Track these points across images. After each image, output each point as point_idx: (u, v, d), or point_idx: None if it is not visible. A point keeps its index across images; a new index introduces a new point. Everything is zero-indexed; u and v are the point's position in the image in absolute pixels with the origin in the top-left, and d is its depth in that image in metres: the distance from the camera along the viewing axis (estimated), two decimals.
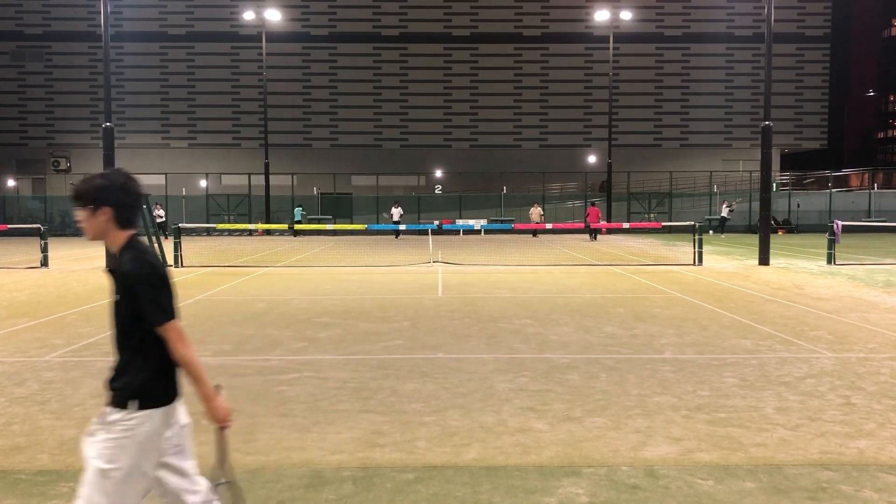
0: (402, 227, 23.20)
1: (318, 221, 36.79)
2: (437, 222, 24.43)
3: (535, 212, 33.88)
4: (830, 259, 17.90)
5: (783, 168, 49.68)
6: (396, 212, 32.40)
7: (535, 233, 34.07)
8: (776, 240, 27.69)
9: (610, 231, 35.16)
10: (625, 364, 7.12)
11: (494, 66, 46.13)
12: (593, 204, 31.46)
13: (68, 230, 37.74)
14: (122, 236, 2.67)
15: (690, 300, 11.65)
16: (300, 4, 45.48)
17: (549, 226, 24.32)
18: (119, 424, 2.57)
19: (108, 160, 18.18)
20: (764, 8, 21.79)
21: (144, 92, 45.10)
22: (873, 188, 40.39)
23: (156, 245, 18.03)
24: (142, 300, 2.57)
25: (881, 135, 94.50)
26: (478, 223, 24.07)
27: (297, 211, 35.94)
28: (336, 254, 22.96)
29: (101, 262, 18.73)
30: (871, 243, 26.53)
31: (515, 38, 46.23)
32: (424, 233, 33.53)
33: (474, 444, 4.80)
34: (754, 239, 26.43)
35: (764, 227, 18.58)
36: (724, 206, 33.17)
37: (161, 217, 31.71)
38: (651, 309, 10.71)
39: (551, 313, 10.31)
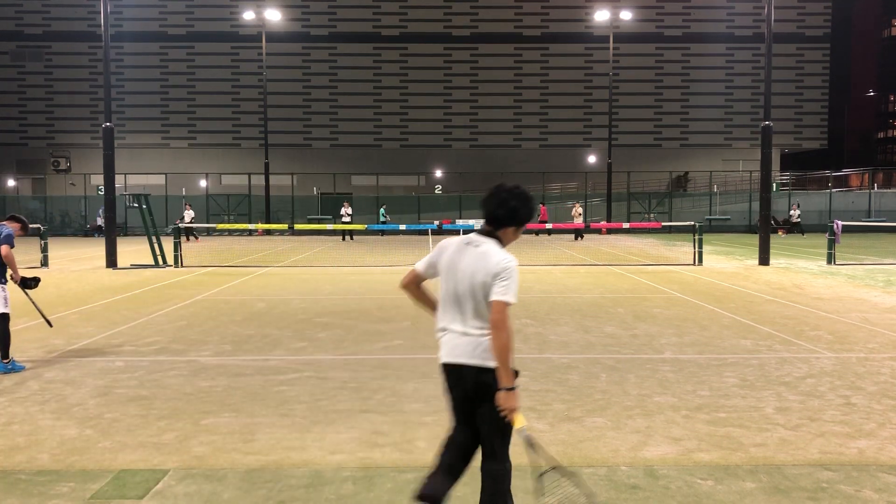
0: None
1: (318, 221, 36.72)
2: (437, 222, 24.40)
3: (575, 211, 31.38)
4: (830, 259, 17.90)
5: (783, 168, 49.67)
6: (345, 211, 30.79)
7: (576, 235, 30.71)
8: (776, 240, 27.67)
9: (610, 231, 35.15)
10: (625, 364, 7.11)
11: (494, 66, 46.12)
12: (542, 202, 31.24)
13: (68, 230, 37.74)
14: None
15: (690, 300, 11.65)
16: (300, 4, 45.47)
17: (549, 226, 24.30)
18: None
19: (108, 160, 18.19)
20: (764, 8, 21.78)
21: (144, 92, 45.10)
22: (873, 188, 40.41)
23: (155, 245, 18.02)
24: None
25: (881, 135, 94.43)
26: (478, 223, 24.01)
27: (382, 211, 34.40)
28: (336, 254, 22.95)
29: (102, 261, 18.73)
30: (871, 243, 26.52)
31: (515, 38, 46.22)
32: (424, 233, 33.51)
33: None
34: (754, 239, 26.42)
35: (764, 227, 18.57)
36: (795, 208, 33.21)
37: (192, 216, 31.54)
38: (651, 309, 10.70)
39: (551, 313, 10.30)
